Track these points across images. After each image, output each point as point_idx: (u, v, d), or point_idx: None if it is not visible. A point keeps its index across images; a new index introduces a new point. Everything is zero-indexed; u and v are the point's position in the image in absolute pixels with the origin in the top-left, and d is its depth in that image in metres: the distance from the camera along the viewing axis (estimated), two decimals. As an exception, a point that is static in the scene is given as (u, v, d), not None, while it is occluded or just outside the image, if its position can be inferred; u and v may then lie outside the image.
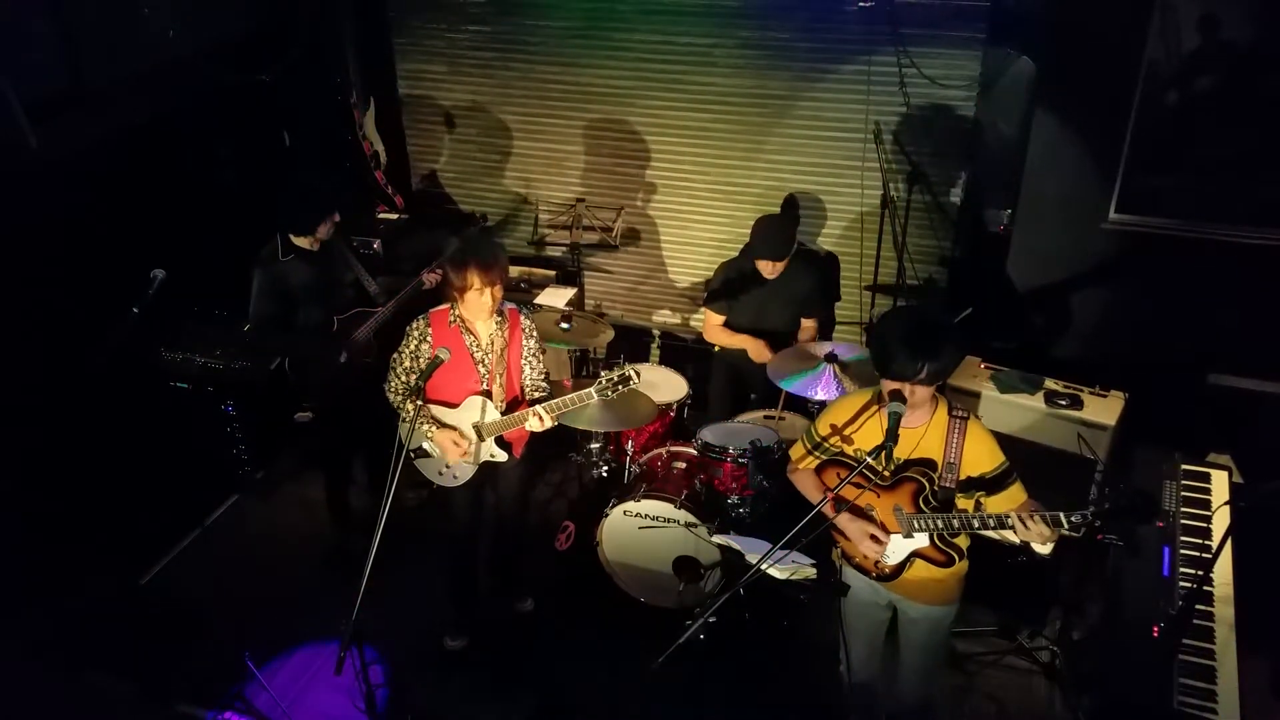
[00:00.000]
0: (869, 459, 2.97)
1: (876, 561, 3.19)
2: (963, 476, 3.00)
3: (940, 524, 2.98)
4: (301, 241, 4.32)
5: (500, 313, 3.80)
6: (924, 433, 3.02)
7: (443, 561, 4.37)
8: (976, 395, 4.50)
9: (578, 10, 5.48)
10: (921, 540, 3.08)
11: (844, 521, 3.16)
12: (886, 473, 3.08)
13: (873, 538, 3.11)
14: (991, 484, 2.99)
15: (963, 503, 3.03)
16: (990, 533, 3.31)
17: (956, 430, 2.99)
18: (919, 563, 3.14)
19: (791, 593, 4.26)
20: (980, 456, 3.00)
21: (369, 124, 5.94)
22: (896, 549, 3.12)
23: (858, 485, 3.12)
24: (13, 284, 4.35)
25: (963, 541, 3.15)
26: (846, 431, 3.17)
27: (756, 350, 4.76)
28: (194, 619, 4.37)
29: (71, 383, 4.24)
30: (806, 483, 3.32)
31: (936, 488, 3.00)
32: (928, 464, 3.02)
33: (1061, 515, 2.76)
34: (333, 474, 4.91)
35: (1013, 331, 5.12)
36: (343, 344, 4.45)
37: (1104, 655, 3.90)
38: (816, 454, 3.27)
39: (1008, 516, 2.83)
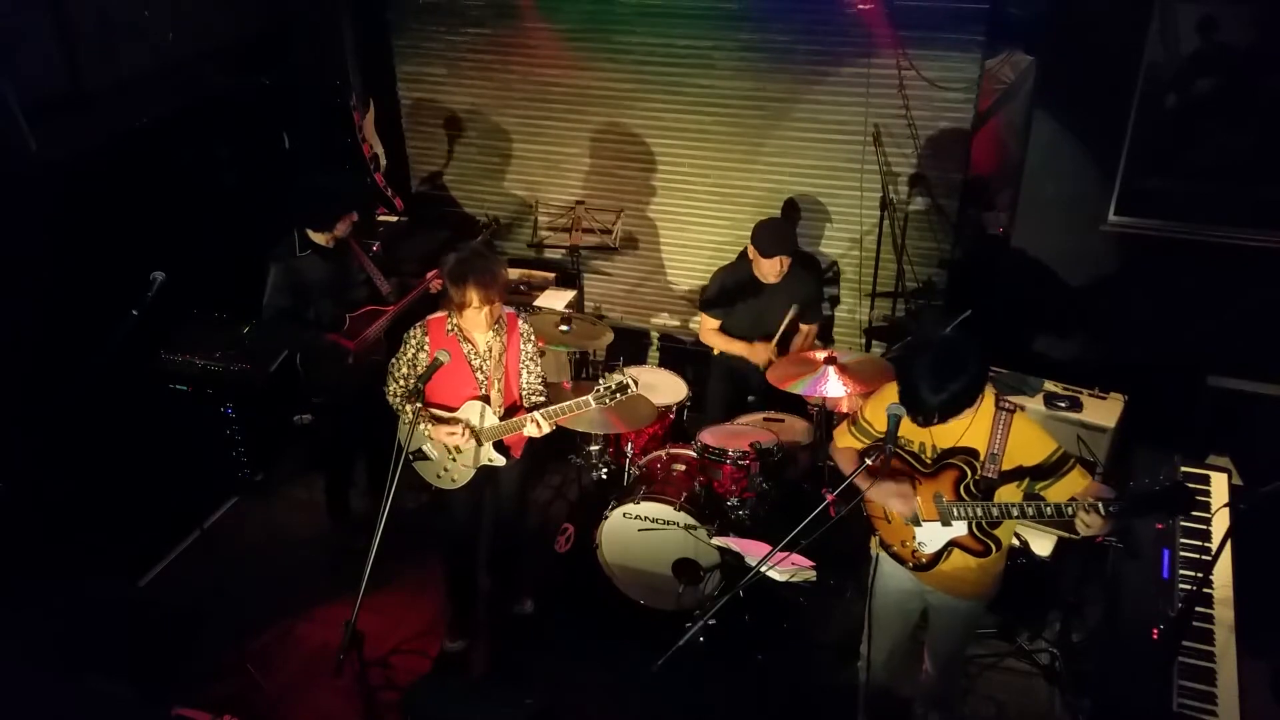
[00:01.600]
0: (868, 461, 2.99)
1: (914, 550, 3.19)
2: (1007, 467, 3.00)
3: (979, 512, 3.00)
4: (319, 238, 4.36)
5: (498, 318, 3.80)
6: (969, 423, 3.02)
7: (442, 563, 4.36)
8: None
9: (577, 13, 5.49)
10: (960, 529, 3.09)
11: (879, 486, 3.11)
12: (929, 460, 3.10)
13: (901, 495, 3.09)
14: (1046, 472, 2.99)
15: (1008, 494, 3.03)
16: (1030, 524, 3.28)
17: (1001, 422, 3.00)
18: (956, 553, 3.14)
19: (791, 595, 4.29)
20: (1027, 447, 3.00)
21: (369, 126, 5.94)
22: (934, 537, 3.14)
23: (897, 470, 3.13)
24: (12, 286, 4.35)
25: (1003, 534, 3.14)
26: (862, 414, 3.22)
27: (754, 353, 4.76)
28: (193, 621, 4.36)
29: (71, 385, 4.24)
30: (843, 459, 3.35)
31: (978, 476, 3.01)
32: (970, 453, 3.03)
33: (1100, 504, 2.77)
34: (333, 475, 4.91)
35: (1012, 333, 5.12)
36: (352, 346, 4.47)
37: (1104, 657, 3.90)
38: (856, 435, 3.31)
39: (1068, 507, 2.84)
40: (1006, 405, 3.02)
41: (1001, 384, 4.52)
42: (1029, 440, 3.00)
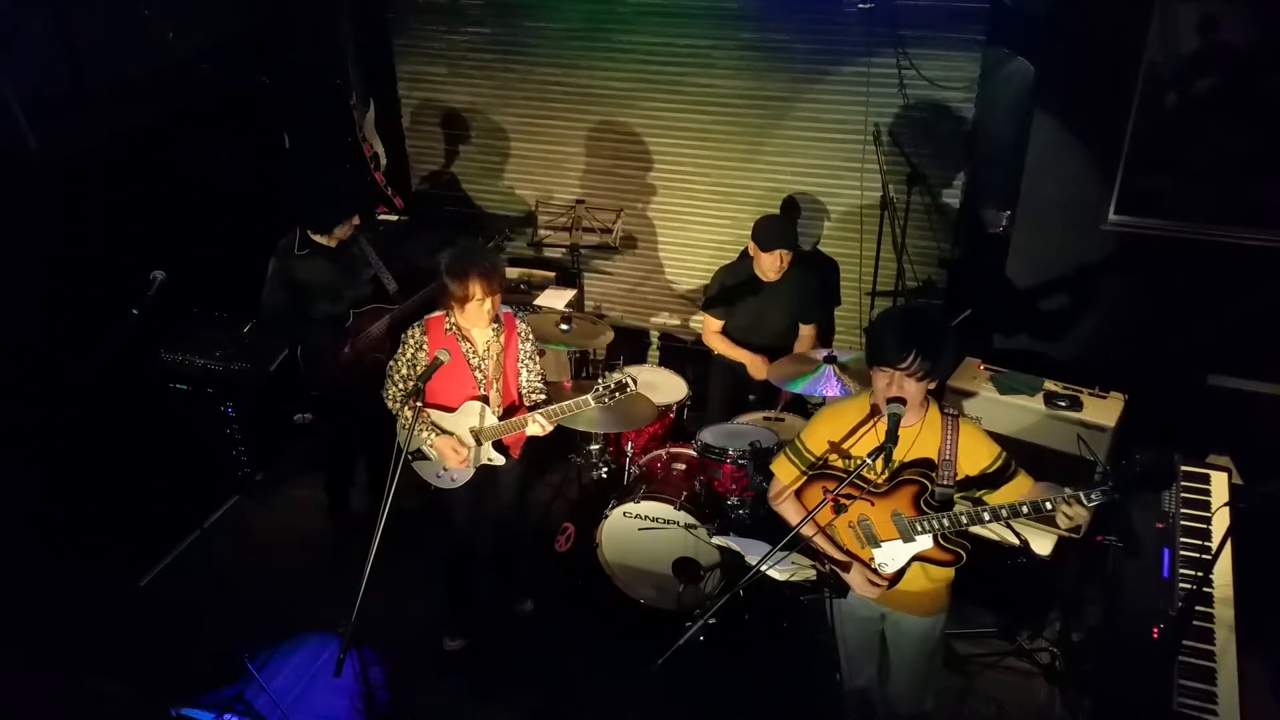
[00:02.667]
0: (868, 460, 2.90)
1: (876, 570, 3.15)
2: (960, 475, 2.98)
3: (946, 522, 2.93)
4: (320, 238, 4.37)
5: (496, 318, 3.80)
6: (918, 432, 3.00)
7: (442, 563, 4.37)
8: (976, 396, 4.49)
9: (577, 12, 5.48)
10: (924, 543, 3.03)
11: (847, 574, 3.16)
12: (880, 479, 3.05)
13: (872, 582, 3.11)
14: (994, 478, 2.97)
15: (960, 503, 3.01)
16: (995, 527, 3.25)
17: (950, 427, 2.98)
18: (915, 569, 3.09)
19: (791, 594, 4.28)
20: (976, 453, 2.98)
21: (369, 125, 5.94)
22: (896, 555, 3.08)
23: (849, 496, 3.06)
24: (12, 285, 4.35)
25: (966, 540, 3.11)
26: (837, 443, 3.12)
27: (754, 366, 4.76)
28: (193, 620, 4.37)
29: (72, 384, 4.24)
30: (791, 513, 3.26)
31: (936, 487, 2.97)
32: (925, 464, 2.99)
33: (1082, 494, 2.72)
34: (334, 474, 4.92)
35: (1012, 333, 5.12)
36: (350, 341, 4.47)
37: (1104, 657, 3.91)
38: (807, 471, 3.19)
39: (1048, 500, 2.78)
40: (951, 411, 3.01)
41: (1001, 382, 4.52)
42: (976, 445, 2.98)
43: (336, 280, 4.44)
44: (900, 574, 3.12)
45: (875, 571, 3.12)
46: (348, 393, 4.55)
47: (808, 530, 3.07)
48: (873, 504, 3.07)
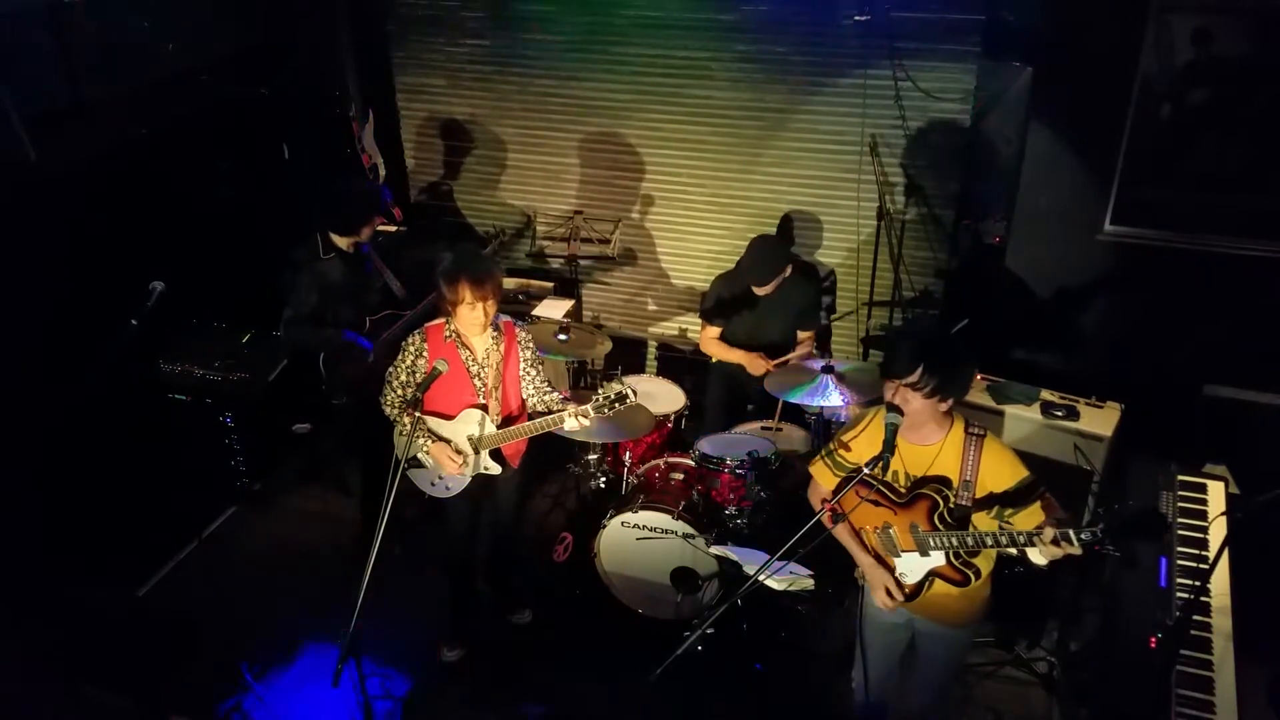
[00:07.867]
0: (865, 470, 2.95)
1: (897, 582, 3.15)
2: (980, 494, 2.97)
3: (955, 542, 2.95)
4: (341, 242, 4.43)
5: (496, 326, 3.81)
6: (939, 450, 3.00)
7: (440, 573, 4.36)
8: (972, 407, 4.50)
9: (576, 24, 5.51)
10: (938, 559, 3.04)
11: (867, 567, 3.16)
12: (903, 489, 3.06)
13: (888, 591, 3.10)
14: (1015, 499, 2.95)
15: (983, 521, 2.99)
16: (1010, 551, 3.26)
17: (973, 447, 2.96)
18: (939, 582, 3.10)
19: (789, 603, 4.29)
20: (999, 473, 2.96)
21: (368, 137, 5.96)
22: (914, 567, 3.09)
23: (874, 502, 3.10)
24: (11, 297, 4.35)
25: (982, 563, 3.09)
26: (859, 447, 3.15)
27: (753, 364, 4.78)
28: (191, 631, 4.36)
29: (70, 395, 4.24)
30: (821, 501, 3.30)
31: (952, 505, 2.97)
32: (943, 481, 2.99)
33: (1071, 533, 2.71)
34: (337, 482, 4.92)
35: (1008, 342, 5.13)
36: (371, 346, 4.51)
37: (1101, 666, 3.91)
38: (836, 471, 3.24)
39: (1037, 533, 2.76)
40: (976, 430, 2.99)
41: (998, 392, 4.53)
42: (1000, 466, 2.97)
43: (356, 284, 4.51)
44: (919, 587, 3.12)
45: (897, 583, 3.11)
46: (369, 398, 4.56)
47: (836, 527, 3.07)
48: (895, 513, 3.09)
